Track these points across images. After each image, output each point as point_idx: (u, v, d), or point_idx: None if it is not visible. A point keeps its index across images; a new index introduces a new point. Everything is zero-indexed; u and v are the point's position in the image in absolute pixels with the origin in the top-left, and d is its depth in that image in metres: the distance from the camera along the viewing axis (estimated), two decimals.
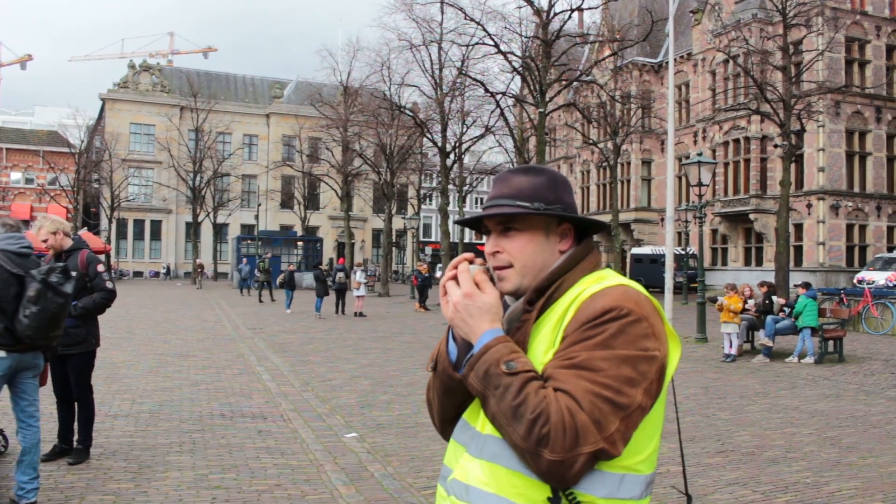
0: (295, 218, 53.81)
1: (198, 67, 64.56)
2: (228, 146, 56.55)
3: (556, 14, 25.50)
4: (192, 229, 49.66)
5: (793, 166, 25.52)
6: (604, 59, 33.55)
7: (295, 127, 51.82)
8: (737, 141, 34.36)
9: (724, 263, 36.35)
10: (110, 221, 50.91)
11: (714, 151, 34.62)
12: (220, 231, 54.18)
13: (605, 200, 41.70)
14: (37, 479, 4.40)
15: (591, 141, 35.77)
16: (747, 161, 33.78)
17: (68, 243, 5.31)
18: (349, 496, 4.81)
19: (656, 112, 38.52)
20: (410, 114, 33.05)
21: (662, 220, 36.36)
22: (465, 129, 33.26)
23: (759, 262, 34.30)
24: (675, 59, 23.15)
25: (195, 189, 49.36)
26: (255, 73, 65.28)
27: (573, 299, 1.40)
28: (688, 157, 19.75)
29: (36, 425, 4.52)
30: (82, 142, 49.46)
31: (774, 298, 13.42)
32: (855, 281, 24.08)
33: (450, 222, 32.98)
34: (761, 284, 13.74)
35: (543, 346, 1.39)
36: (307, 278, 34.81)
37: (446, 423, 1.55)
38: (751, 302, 13.29)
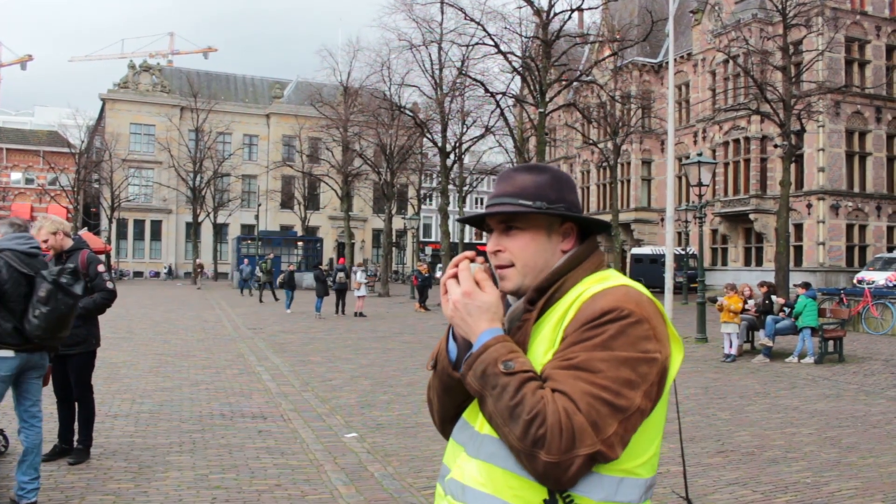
0: (295, 218, 53.81)
1: (198, 67, 64.58)
2: (228, 146, 56.55)
3: (556, 14, 25.51)
4: (193, 229, 49.68)
5: (793, 166, 25.52)
6: (604, 59, 33.54)
7: (295, 127, 51.82)
8: (737, 141, 34.36)
9: (724, 263, 36.35)
10: (110, 221, 50.93)
11: (714, 151, 34.62)
12: (220, 231, 54.19)
13: (605, 200, 41.68)
14: (37, 480, 4.40)
15: (591, 141, 35.77)
16: (747, 161, 33.78)
17: (68, 243, 5.31)
18: (349, 496, 4.81)
19: (656, 112, 38.52)
20: (410, 114, 33.05)
21: (662, 220, 36.35)
22: (465, 130, 33.26)
23: (759, 262, 34.30)
24: (675, 59, 23.15)
25: (195, 189, 49.38)
26: (255, 73, 65.34)
27: (574, 299, 1.38)
28: (688, 157, 19.75)
29: (38, 426, 4.52)
30: (82, 142, 49.49)
31: (774, 298, 13.42)
32: (855, 281, 24.08)
33: (450, 222, 32.93)
34: (761, 284, 13.74)
35: (543, 346, 1.38)
36: (307, 278, 34.82)
37: (446, 422, 1.54)
38: (751, 302, 13.30)
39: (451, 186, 35.05)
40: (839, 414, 7.83)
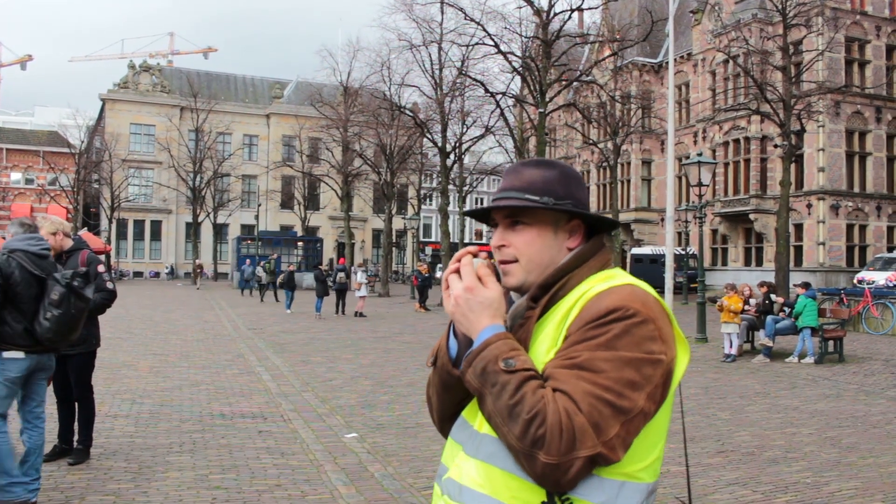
0: (295, 218, 53.81)
1: (198, 68, 64.59)
2: (228, 146, 56.56)
3: (556, 14, 25.51)
4: (193, 229, 49.70)
5: (793, 166, 25.52)
6: (604, 59, 33.56)
7: (295, 127, 51.82)
8: (737, 141, 34.36)
9: (724, 263, 36.35)
10: (110, 222, 50.94)
11: (714, 151, 34.62)
12: (220, 231, 54.20)
13: (606, 200, 41.68)
14: (38, 480, 4.40)
15: (591, 141, 35.76)
16: (747, 161, 33.79)
17: (68, 244, 5.31)
18: (349, 496, 4.81)
19: (656, 112, 38.52)
20: (410, 114, 33.03)
21: (662, 220, 36.36)
22: (465, 130, 33.23)
23: (759, 263, 34.31)
24: (675, 60, 23.15)
25: (195, 189, 49.40)
26: (255, 74, 65.37)
27: (578, 297, 1.35)
28: (688, 157, 19.75)
29: (42, 426, 4.52)
30: (82, 142, 49.51)
31: (773, 297, 13.43)
32: (855, 281, 24.09)
33: (450, 222, 32.96)
34: (761, 284, 13.75)
35: (546, 344, 1.35)
36: (307, 278, 34.84)
37: (445, 420, 1.51)
38: (752, 302, 13.30)
39: (451, 186, 35.01)
40: (839, 414, 7.83)
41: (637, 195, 40.92)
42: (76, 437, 5.50)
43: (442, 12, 28.82)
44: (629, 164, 40.72)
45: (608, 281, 1.38)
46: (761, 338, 12.54)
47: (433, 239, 63.24)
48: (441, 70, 30.77)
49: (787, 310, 12.83)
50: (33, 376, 4.45)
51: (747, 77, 25.47)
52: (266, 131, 59.62)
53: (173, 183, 52.80)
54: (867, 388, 9.66)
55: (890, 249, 31.36)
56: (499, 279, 1.43)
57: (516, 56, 26.30)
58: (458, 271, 1.40)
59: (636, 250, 37.51)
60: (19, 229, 4.52)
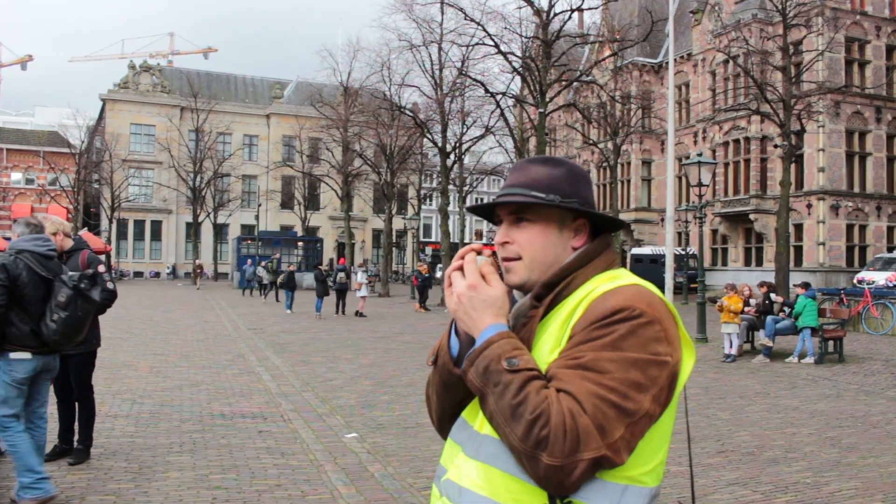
0: (295, 218, 53.81)
1: (198, 68, 64.59)
2: (228, 146, 56.57)
3: (556, 14, 25.50)
4: (193, 230, 49.71)
5: (793, 166, 25.52)
6: (604, 60, 33.55)
7: (295, 127, 51.82)
8: (737, 141, 34.36)
9: (725, 264, 36.35)
10: (111, 222, 50.95)
11: (714, 151, 34.62)
12: (220, 231, 54.21)
13: (606, 201, 41.65)
14: None
15: (591, 141, 35.75)
16: (747, 161, 33.78)
17: (69, 244, 5.31)
18: (349, 496, 4.81)
19: (656, 112, 38.52)
20: (410, 114, 33.01)
21: (662, 220, 36.35)
22: (465, 130, 33.20)
23: (760, 263, 34.30)
24: (675, 60, 23.16)
25: (195, 189, 49.40)
26: (255, 74, 65.37)
27: (583, 297, 1.33)
28: (688, 158, 19.74)
29: (44, 427, 4.53)
30: (83, 142, 49.53)
31: (772, 296, 13.43)
32: (855, 281, 24.09)
33: (450, 222, 32.95)
34: (761, 285, 13.74)
35: (549, 344, 1.32)
36: (307, 278, 34.86)
37: (444, 420, 1.49)
38: (753, 302, 13.30)
39: (451, 187, 34.98)
40: (839, 414, 7.83)
41: (637, 195, 40.92)
42: (76, 437, 5.50)
43: (442, 12, 28.82)
44: (629, 164, 40.72)
45: (614, 281, 1.36)
46: (761, 338, 12.54)
47: (433, 239, 63.24)
48: (441, 70, 30.75)
49: (787, 310, 12.83)
50: (38, 377, 4.46)
51: (747, 77, 25.47)
52: (266, 131, 59.63)
53: (173, 183, 52.80)
54: (867, 388, 9.67)
55: (890, 249, 31.36)
56: (503, 278, 1.41)
57: (516, 56, 26.30)
58: (461, 268, 1.37)
59: (636, 250, 37.50)
60: (25, 229, 4.49)
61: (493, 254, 1.45)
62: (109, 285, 5.39)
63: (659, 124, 38.30)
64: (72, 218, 45.63)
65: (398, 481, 5.17)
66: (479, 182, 46.77)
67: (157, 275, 55.09)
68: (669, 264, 16.26)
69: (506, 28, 26.01)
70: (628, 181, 41.09)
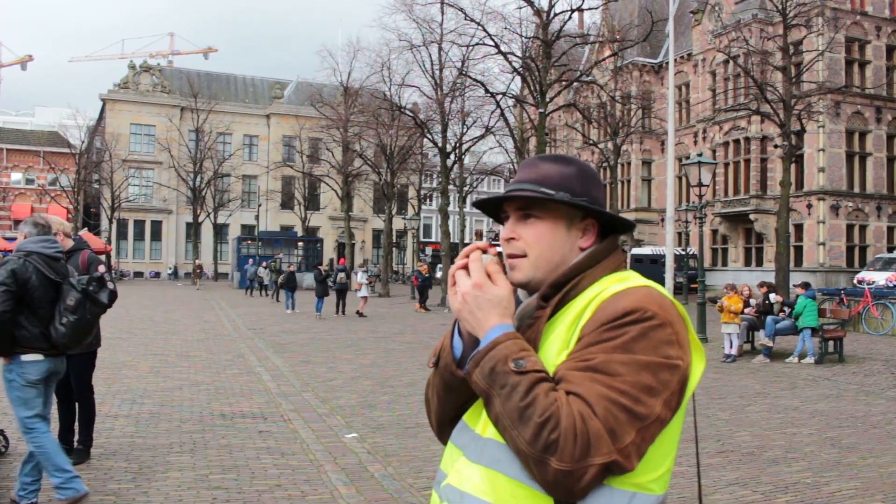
0: (295, 218, 53.83)
1: (198, 68, 64.60)
2: (229, 146, 56.59)
3: (556, 14, 25.50)
4: (193, 230, 49.73)
5: (793, 167, 25.53)
6: (604, 60, 33.53)
7: (295, 127, 51.84)
8: (737, 141, 34.36)
9: (725, 264, 36.36)
10: (111, 222, 50.96)
11: (714, 152, 34.63)
12: (220, 231, 54.22)
13: (606, 201, 41.59)
14: (39, 481, 4.40)
15: (591, 141, 35.76)
16: (747, 161, 33.79)
17: (69, 244, 5.30)
18: (349, 496, 4.81)
19: (656, 112, 38.53)
20: (411, 114, 33.02)
21: (662, 220, 36.34)
22: (465, 130, 33.21)
23: (760, 263, 34.31)
24: (676, 60, 23.17)
25: (195, 189, 49.42)
26: (255, 74, 65.40)
27: (592, 298, 1.29)
28: (688, 158, 19.74)
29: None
30: (83, 142, 49.53)
31: (773, 296, 13.43)
32: (855, 281, 24.09)
33: (450, 222, 32.96)
34: (761, 285, 13.75)
35: (556, 346, 1.29)
36: (307, 279, 34.88)
37: (444, 424, 1.45)
38: (752, 302, 13.30)
39: (451, 187, 35.01)
40: (839, 414, 7.83)
41: (637, 195, 40.92)
42: (76, 438, 5.51)
43: (442, 13, 28.82)
44: (629, 164, 40.73)
45: (624, 282, 1.32)
46: (761, 338, 12.54)
47: (433, 239, 63.25)
48: (441, 70, 30.75)
49: (787, 310, 12.83)
50: (48, 379, 4.46)
51: (747, 77, 25.48)
52: (266, 131, 59.64)
53: (173, 183, 52.82)
54: (867, 388, 9.67)
55: (890, 249, 31.36)
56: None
57: (516, 56, 26.30)
58: (466, 267, 1.34)
59: (636, 250, 37.46)
60: (34, 230, 4.45)
61: (499, 253, 1.42)
62: (109, 285, 5.39)
63: (659, 124, 38.31)
64: (72, 218, 45.64)
65: (398, 481, 5.17)
66: (480, 182, 46.80)
67: (158, 275, 55.09)
68: (669, 264, 16.27)
69: (506, 28, 26.04)
70: (628, 181, 41.10)
